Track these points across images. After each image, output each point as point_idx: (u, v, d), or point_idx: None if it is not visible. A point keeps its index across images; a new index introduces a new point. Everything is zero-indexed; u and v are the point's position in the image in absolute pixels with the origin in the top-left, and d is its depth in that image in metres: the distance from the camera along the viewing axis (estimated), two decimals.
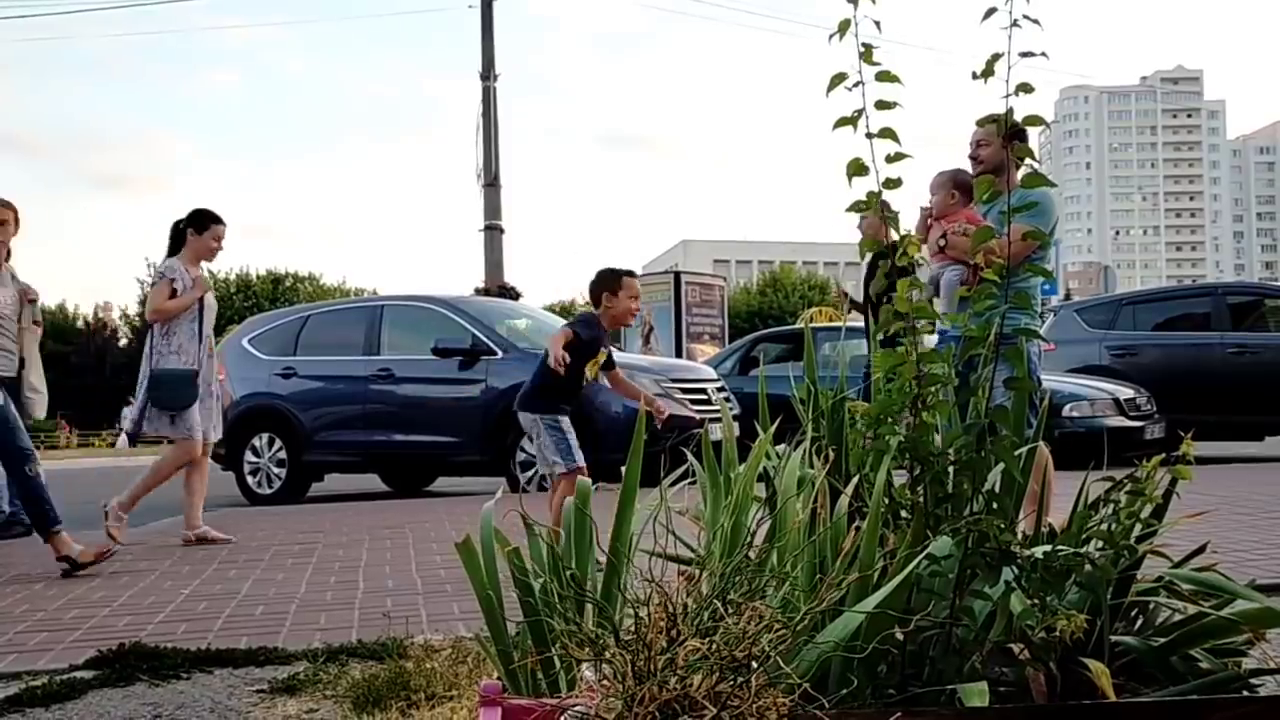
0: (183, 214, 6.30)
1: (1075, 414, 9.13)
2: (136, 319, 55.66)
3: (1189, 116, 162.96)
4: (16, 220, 5.51)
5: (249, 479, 9.85)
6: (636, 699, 1.29)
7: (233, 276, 53.38)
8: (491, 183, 17.48)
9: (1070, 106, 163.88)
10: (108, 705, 2.79)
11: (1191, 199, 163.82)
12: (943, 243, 4.54)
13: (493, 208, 17.60)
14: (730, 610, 1.39)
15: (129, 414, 6.15)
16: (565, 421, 4.86)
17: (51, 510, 5.17)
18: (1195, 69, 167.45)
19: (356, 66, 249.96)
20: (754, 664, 1.32)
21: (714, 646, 1.31)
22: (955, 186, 4.56)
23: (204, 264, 6.33)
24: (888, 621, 1.74)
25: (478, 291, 16.47)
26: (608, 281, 4.97)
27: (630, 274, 5.06)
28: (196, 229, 6.19)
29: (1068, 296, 26.66)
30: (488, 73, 17.61)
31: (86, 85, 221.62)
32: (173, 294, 6.05)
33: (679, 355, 15.37)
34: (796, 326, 15.55)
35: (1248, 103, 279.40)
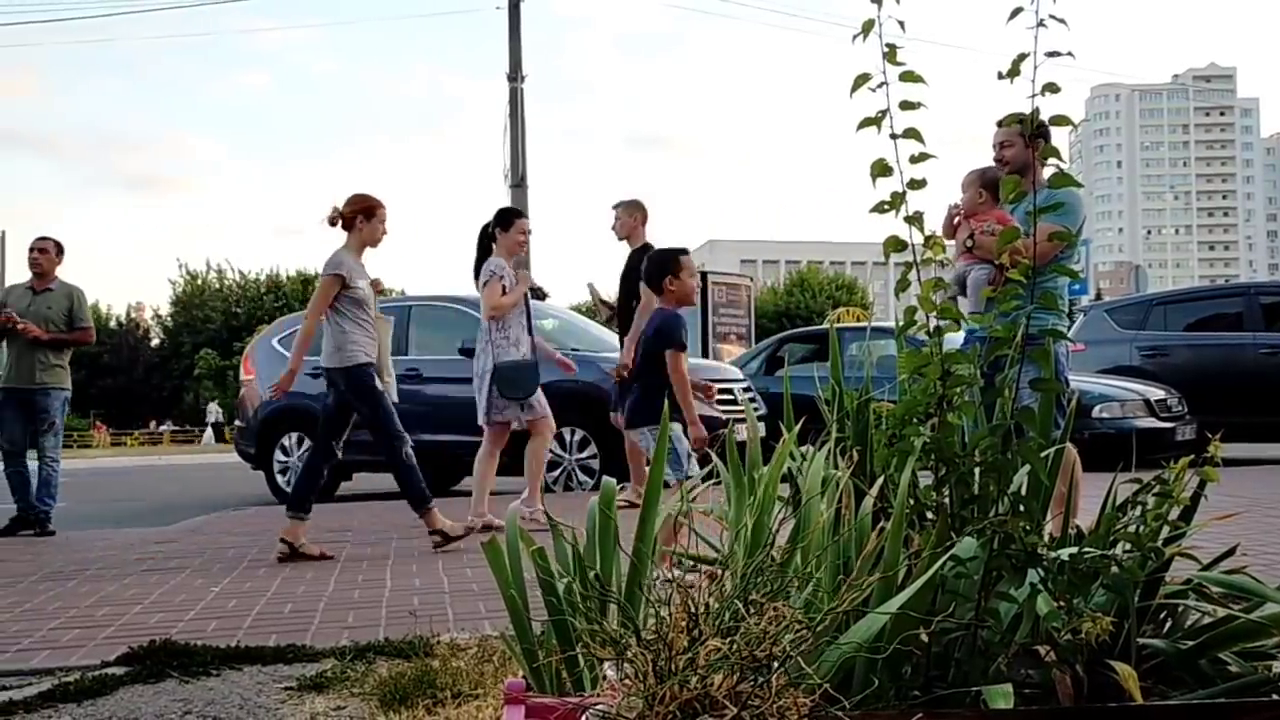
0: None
1: (1105, 415, 9.05)
2: (169, 319, 56.28)
3: (1222, 115, 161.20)
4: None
5: (278, 478, 9.91)
6: (658, 698, 1.30)
7: (263, 277, 53.81)
8: (518, 183, 17.52)
9: (1101, 105, 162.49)
10: (138, 701, 2.82)
11: (1224, 198, 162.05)
12: (970, 243, 4.51)
13: (520, 208, 17.65)
14: (752, 610, 1.39)
15: (479, 403, 6.41)
16: (677, 428, 4.58)
17: (424, 488, 5.63)
18: (1228, 67, 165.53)
19: (385, 67, 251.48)
20: (775, 664, 1.32)
21: (735, 646, 1.31)
22: (984, 185, 4.53)
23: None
24: (912, 622, 1.73)
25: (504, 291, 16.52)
26: (667, 263, 4.81)
27: (684, 251, 4.94)
28: (503, 227, 6.48)
29: (1098, 296, 26.43)
30: (515, 74, 17.66)
31: (120, 87, 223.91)
32: (503, 290, 6.33)
33: (705, 355, 15.35)
34: (823, 327, 15.50)
35: None
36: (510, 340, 6.35)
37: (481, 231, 6.56)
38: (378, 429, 5.65)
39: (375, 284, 5.84)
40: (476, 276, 6.51)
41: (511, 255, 6.53)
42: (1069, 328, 9.49)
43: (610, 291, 7.78)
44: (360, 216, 5.61)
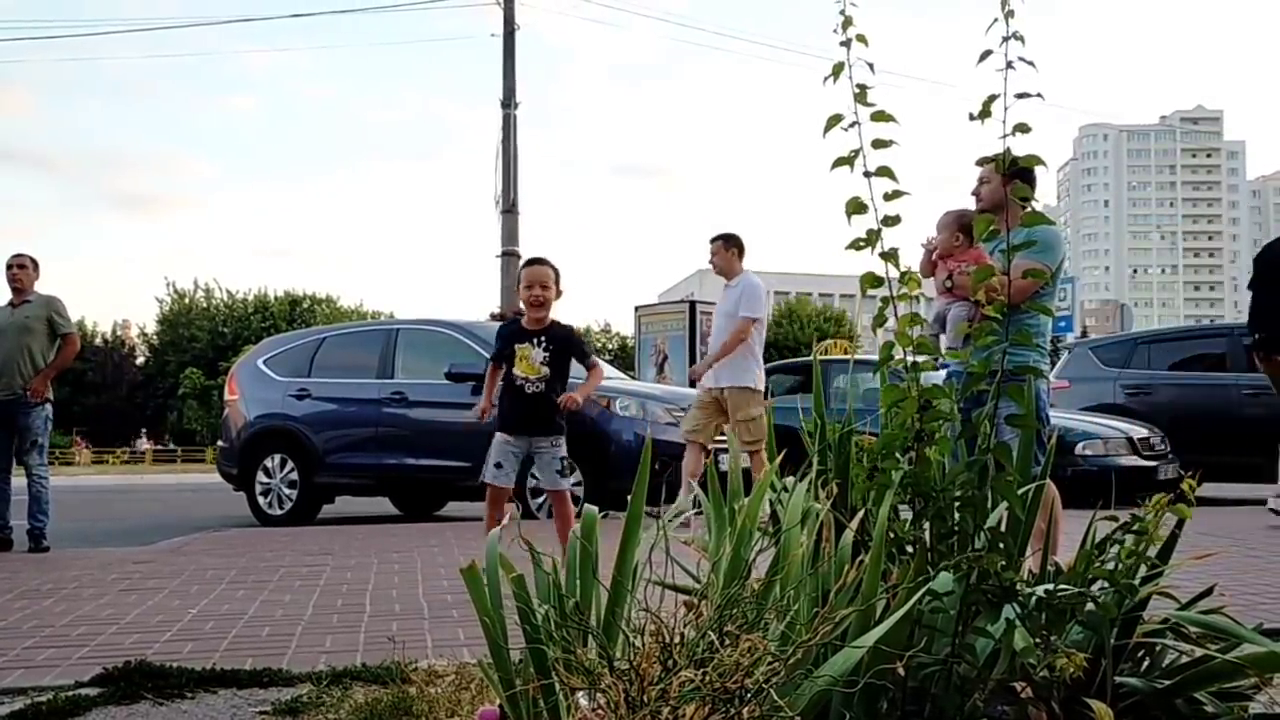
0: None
1: (1088, 452, 9.08)
2: (155, 338, 56.11)
3: (1209, 156, 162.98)
4: None
5: (260, 499, 9.86)
6: None
7: (251, 297, 53.75)
8: (510, 209, 17.55)
9: (1089, 144, 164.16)
10: None
11: (1210, 239, 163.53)
12: (949, 284, 4.52)
13: (510, 234, 17.66)
14: (726, 641, 1.39)
15: None
16: (499, 436, 5.06)
17: None
18: (1215, 109, 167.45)
19: (378, 92, 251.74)
20: (747, 696, 1.32)
21: (707, 677, 1.31)
22: (960, 229, 4.53)
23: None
24: (888, 656, 1.73)
25: (493, 317, 16.52)
26: None
27: (527, 263, 5.12)
28: None
29: (1084, 334, 26.58)
30: (508, 101, 17.73)
31: (112, 107, 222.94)
32: None
33: (693, 385, 15.36)
34: (808, 358, 15.51)
35: (1268, 143, 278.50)
36: None
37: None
38: None
39: None
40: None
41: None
42: (1050, 365, 9.54)
43: None
44: None
